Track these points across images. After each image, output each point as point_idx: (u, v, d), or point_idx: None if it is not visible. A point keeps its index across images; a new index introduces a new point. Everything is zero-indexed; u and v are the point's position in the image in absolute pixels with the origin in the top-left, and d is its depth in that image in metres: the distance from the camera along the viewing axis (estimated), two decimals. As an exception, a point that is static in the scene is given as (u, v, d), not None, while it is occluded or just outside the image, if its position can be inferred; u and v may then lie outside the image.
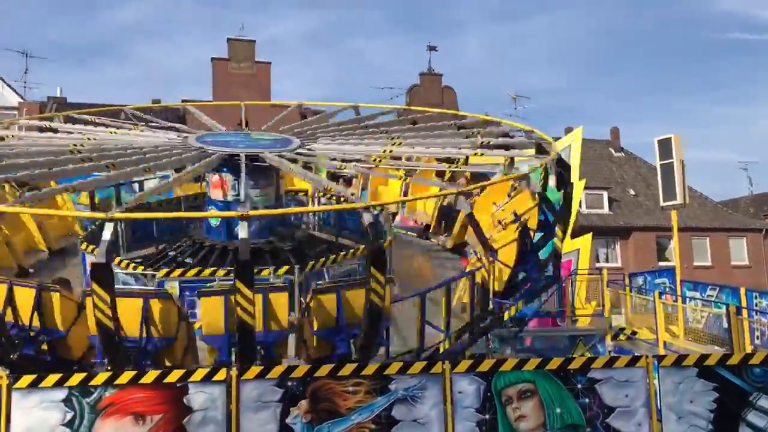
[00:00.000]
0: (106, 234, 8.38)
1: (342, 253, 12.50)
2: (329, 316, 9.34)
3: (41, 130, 15.62)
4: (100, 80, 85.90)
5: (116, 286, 8.92)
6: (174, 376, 7.16)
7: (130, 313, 8.83)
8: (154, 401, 7.03)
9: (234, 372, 7.21)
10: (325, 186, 13.47)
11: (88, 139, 14.01)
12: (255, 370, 7.34)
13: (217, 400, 7.09)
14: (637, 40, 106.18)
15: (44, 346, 9.38)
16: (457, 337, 11.18)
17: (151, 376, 7.16)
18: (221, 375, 7.18)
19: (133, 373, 7.19)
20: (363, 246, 12.63)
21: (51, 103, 33.24)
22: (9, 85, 34.27)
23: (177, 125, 16.49)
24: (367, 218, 9.01)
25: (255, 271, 11.20)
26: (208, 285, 9.90)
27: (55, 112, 26.07)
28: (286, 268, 11.36)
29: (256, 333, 8.85)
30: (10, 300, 9.11)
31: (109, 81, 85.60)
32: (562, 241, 12.72)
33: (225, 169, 12.45)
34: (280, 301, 9.26)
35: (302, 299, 10.35)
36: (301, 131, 15.16)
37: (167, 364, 9.09)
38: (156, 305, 9.10)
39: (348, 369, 7.39)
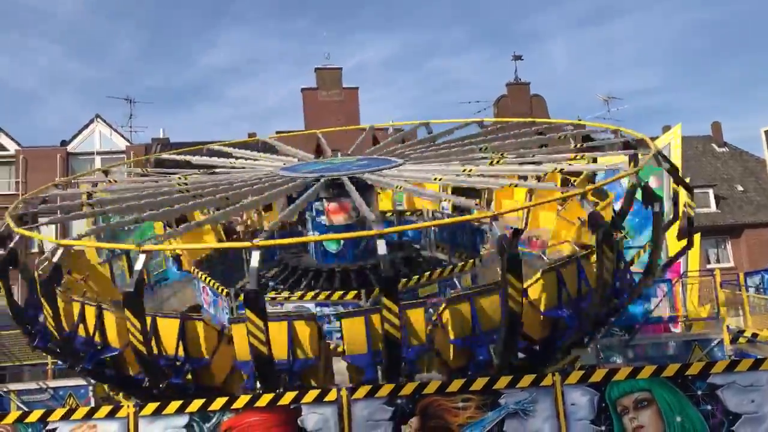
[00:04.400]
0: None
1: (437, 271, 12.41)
2: (466, 324, 9.33)
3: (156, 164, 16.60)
4: (198, 120, 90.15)
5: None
6: (287, 399, 7.36)
7: (276, 336, 8.90)
8: (269, 423, 7.25)
9: (344, 392, 7.33)
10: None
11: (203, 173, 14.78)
12: (364, 389, 7.43)
13: (330, 420, 7.24)
14: (734, 31, 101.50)
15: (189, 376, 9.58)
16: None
17: (265, 399, 7.38)
18: (332, 395, 7.32)
19: (248, 396, 7.43)
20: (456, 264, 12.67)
21: (156, 145, 35.07)
22: (116, 131, 36.41)
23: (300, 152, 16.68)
24: (497, 228, 9.08)
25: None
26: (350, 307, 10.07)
27: (160, 152, 27.49)
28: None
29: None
30: (155, 331, 9.39)
31: (206, 120, 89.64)
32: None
33: (336, 194, 12.61)
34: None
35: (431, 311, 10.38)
36: (398, 153, 15.16)
37: (312, 383, 9.13)
38: (300, 327, 9.17)
39: (456, 385, 7.37)
